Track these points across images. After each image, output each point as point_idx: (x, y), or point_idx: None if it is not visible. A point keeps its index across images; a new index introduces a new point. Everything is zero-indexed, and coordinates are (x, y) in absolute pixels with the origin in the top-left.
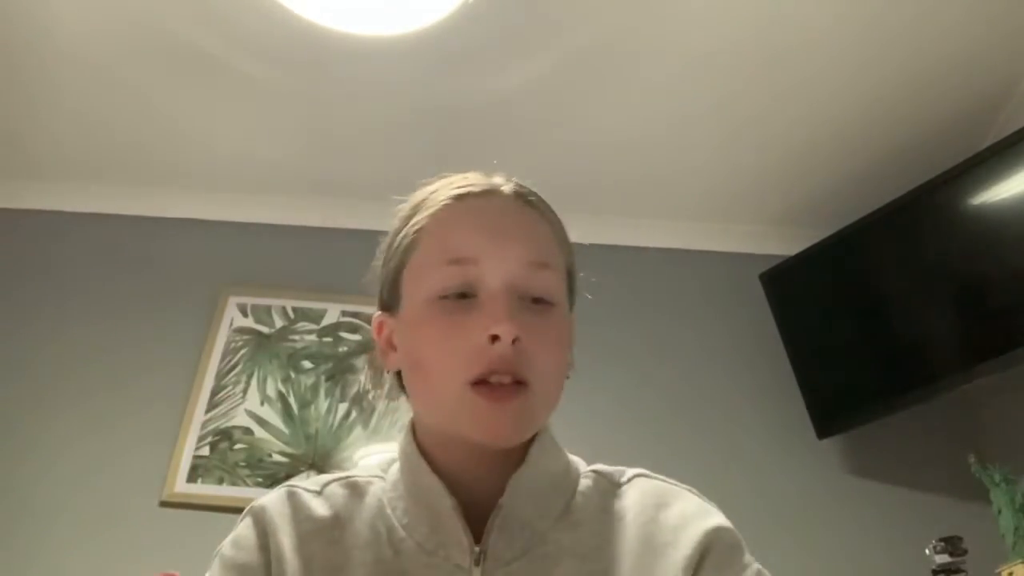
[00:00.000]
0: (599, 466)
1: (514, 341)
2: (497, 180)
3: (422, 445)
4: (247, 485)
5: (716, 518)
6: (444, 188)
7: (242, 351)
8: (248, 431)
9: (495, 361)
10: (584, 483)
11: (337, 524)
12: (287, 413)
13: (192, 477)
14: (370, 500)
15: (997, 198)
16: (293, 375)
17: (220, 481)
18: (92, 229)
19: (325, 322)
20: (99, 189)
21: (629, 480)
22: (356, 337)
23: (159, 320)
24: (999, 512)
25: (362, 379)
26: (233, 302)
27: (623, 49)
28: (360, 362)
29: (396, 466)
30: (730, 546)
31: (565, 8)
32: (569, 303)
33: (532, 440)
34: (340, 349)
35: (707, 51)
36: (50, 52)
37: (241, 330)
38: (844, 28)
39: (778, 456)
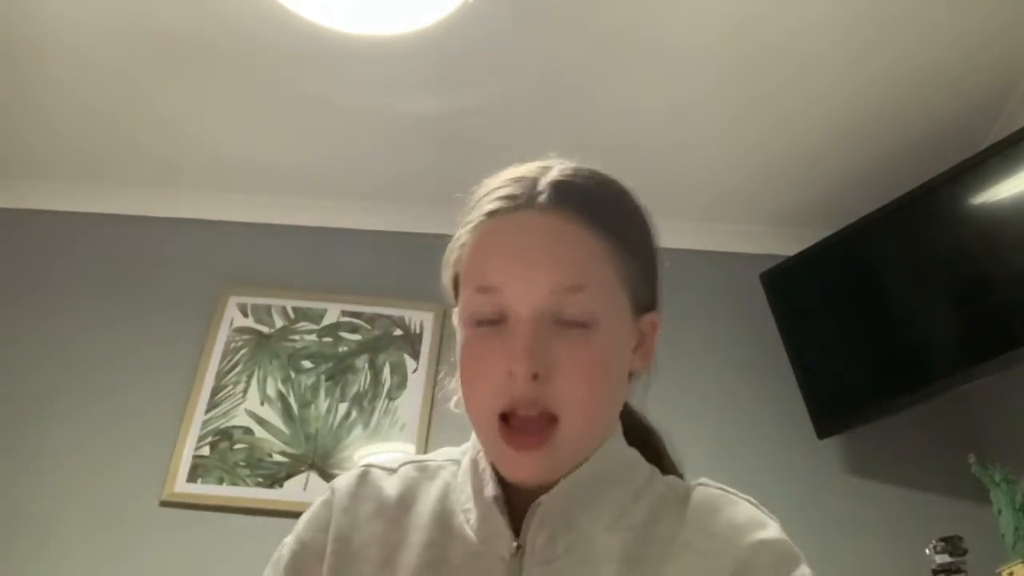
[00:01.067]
0: (672, 478)
1: (535, 376)
2: (540, 183)
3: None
4: (247, 485)
5: (766, 531)
6: (487, 195)
7: (242, 351)
8: (248, 431)
9: (515, 400)
10: (653, 491)
11: (402, 504)
12: (287, 413)
13: (192, 477)
14: (438, 483)
15: (997, 198)
16: (293, 375)
17: (220, 481)
18: (92, 229)
19: (325, 322)
20: (99, 189)
21: (693, 489)
22: (356, 337)
23: (159, 320)
24: (999, 512)
25: (362, 379)
26: (233, 302)
27: (623, 49)
28: (360, 362)
29: (468, 457)
30: (775, 562)
31: (565, 9)
32: (635, 307)
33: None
34: (340, 349)
35: (707, 51)
36: (50, 52)
37: (241, 330)
38: (844, 29)
39: (778, 456)
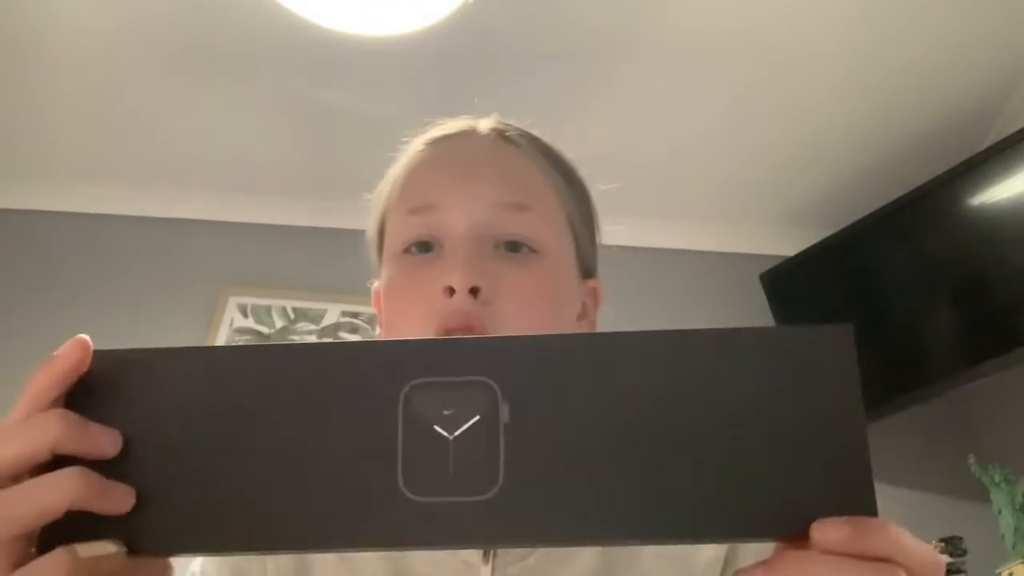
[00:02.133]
0: None
1: (474, 291)
2: (481, 122)
3: None
4: None
5: None
6: (423, 136)
7: None
8: None
9: (451, 317)
10: None
11: None
12: None
13: None
14: None
15: (997, 198)
16: None
17: None
18: (92, 229)
19: (325, 322)
20: (98, 189)
21: None
22: (356, 337)
23: (159, 320)
24: (999, 512)
25: None
26: (233, 302)
27: (623, 49)
28: None
29: None
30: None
31: (567, 9)
32: (580, 265)
33: None
34: None
35: (707, 51)
36: (49, 52)
37: (241, 330)
38: (844, 28)
39: None
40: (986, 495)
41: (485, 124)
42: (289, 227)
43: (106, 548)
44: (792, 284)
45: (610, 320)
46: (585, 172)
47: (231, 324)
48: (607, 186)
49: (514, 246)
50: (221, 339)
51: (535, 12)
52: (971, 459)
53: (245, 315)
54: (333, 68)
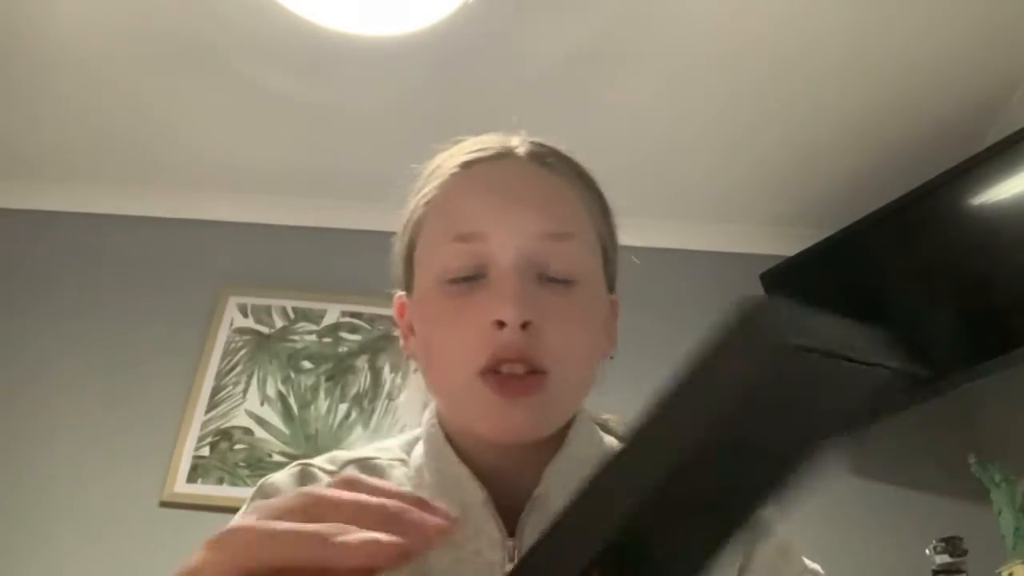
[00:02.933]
0: None
1: (524, 325)
2: (512, 141)
3: (447, 430)
4: (247, 485)
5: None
6: (455, 154)
7: (242, 351)
8: (248, 431)
9: (503, 349)
10: None
11: None
12: (287, 413)
13: (192, 477)
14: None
15: (997, 198)
16: (293, 375)
17: (220, 481)
18: (92, 230)
19: (325, 322)
20: (98, 189)
21: None
22: (356, 337)
23: (159, 320)
24: (999, 512)
25: (362, 379)
26: (233, 302)
27: (624, 49)
28: (360, 362)
29: (419, 450)
30: (779, 550)
31: (565, 9)
32: (607, 281)
33: (569, 423)
34: (340, 349)
35: (707, 51)
36: (48, 52)
37: (241, 330)
38: (844, 29)
39: None
40: (986, 495)
41: (520, 146)
42: (289, 227)
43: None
44: (792, 284)
45: None
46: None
47: (231, 324)
48: (608, 187)
49: (556, 278)
50: (221, 339)
51: (535, 12)
52: (971, 459)
53: (245, 315)
54: (333, 68)
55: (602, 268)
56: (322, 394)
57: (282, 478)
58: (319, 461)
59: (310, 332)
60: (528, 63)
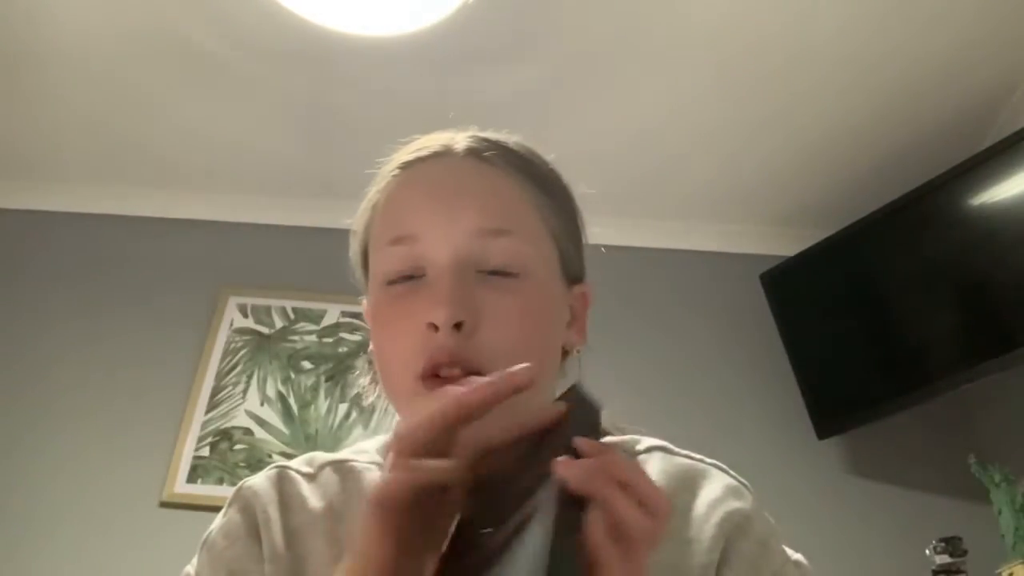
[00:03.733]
0: (609, 438)
1: (458, 326)
2: (455, 138)
3: None
4: None
5: (744, 502)
6: (398, 156)
7: (242, 351)
8: (248, 431)
9: (436, 351)
10: None
11: (331, 516)
12: (287, 413)
13: (192, 477)
14: (368, 490)
15: (997, 198)
16: (293, 375)
17: (220, 481)
18: (92, 229)
19: (325, 322)
20: (98, 189)
21: (647, 451)
22: (356, 337)
23: (159, 320)
24: (999, 512)
25: (356, 385)
26: (233, 302)
27: (624, 49)
28: (360, 362)
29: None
30: (759, 543)
31: (566, 9)
32: (566, 273)
33: None
34: (340, 349)
35: (708, 52)
36: (49, 52)
37: (241, 330)
38: (845, 29)
39: (778, 456)
40: (986, 495)
41: (461, 142)
42: (289, 227)
43: (445, 464)
44: (792, 284)
45: (610, 319)
46: (585, 173)
47: (231, 324)
48: (607, 187)
49: (496, 272)
50: (221, 339)
51: (535, 13)
52: (971, 459)
53: (245, 315)
54: (333, 68)
55: (557, 261)
56: (322, 394)
57: (259, 481)
58: (296, 463)
59: (310, 332)
60: (528, 64)
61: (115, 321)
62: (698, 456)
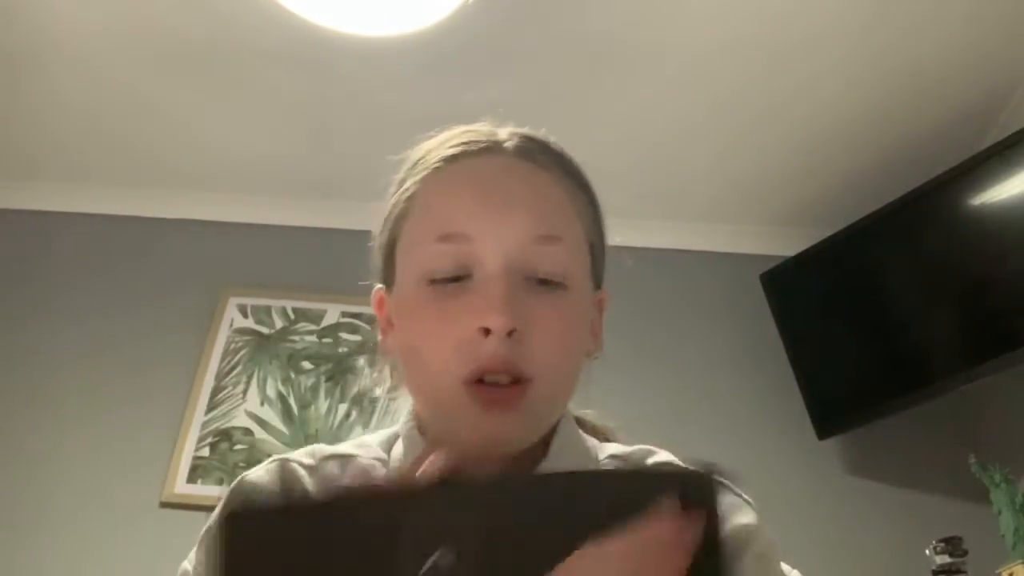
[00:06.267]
0: (615, 448)
1: (510, 333)
2: (500, 133)
3: (426, 433)
4: None
5: (744, 518)
6: (439, 146)
7: (242, 352)
8: (248, 432)
9: (487, 358)
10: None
11: None
12: (287, 414)
13: (192, 478)
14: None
15: (997, 198)
16: (293, 376)
17: (220, 482)
18: (92, 230)
19: (325, 323)
20: (98, 190)
21: (645, 459)
22: (356, 338)
23: (159, 321)
24: (999, 512)
25: (363, 378)
26: (233, 303)
27: (624, 49)
28: (360, 362)
29: (399, 450)
30: (758, 558)
31: (566, 9)
32: (594, 279)
33: (553, 429)
34: (340, 350)
35: (707, 52)
36: (49, 52)
37: (241, 331)
38: (845, 29)
39: (778, 456)
40: (986, 495)
41: (508, 139)
42: (289, 227)
43: None
44: (792, 284)
45: (610, 319)
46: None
47: (231, 324)
48: (608, 187)
49: (544, 281)
50: (221, 339)
51: (534, 13)
52: (971, 459)
53: (245, 315)
54: (333, 68)
55: (590, 268)
56: (322, 395)
57: (259, 473)
58: (298, 455)
59: (310, 332)
60: (527, 63)
61: (115, 321)
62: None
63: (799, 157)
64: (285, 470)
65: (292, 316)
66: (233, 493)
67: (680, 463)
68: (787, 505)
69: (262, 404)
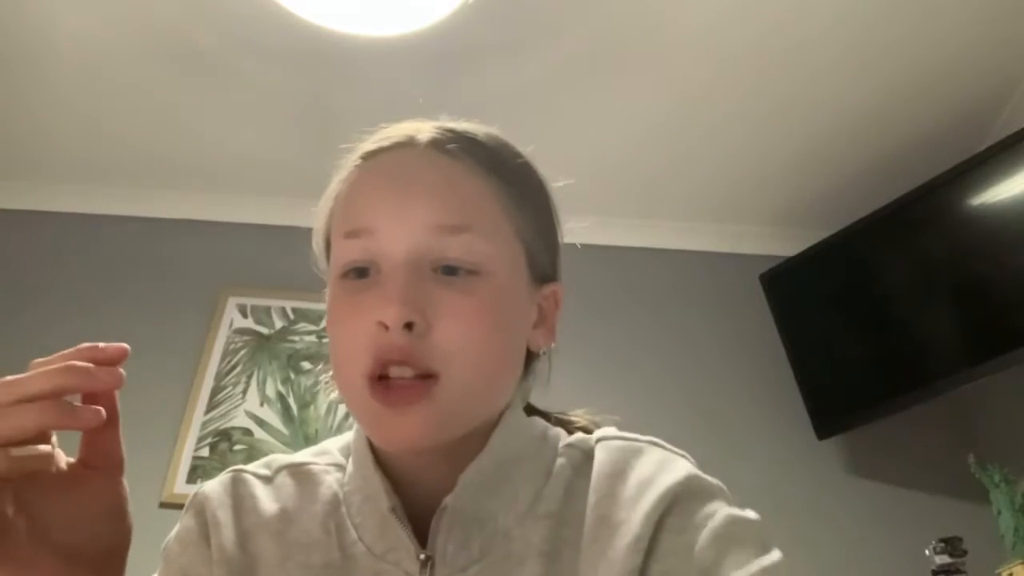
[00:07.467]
0: (574, 437)
1: (409, 326)
2: (420, 128)
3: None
4: None
5: (673, 474)
6: (361, 146)
7: (242, 352)
8: (248, 432)
9: (384, 352)
10: (559, 462)
11: (284, 518)
12: (287, 414)
13: (192, 478)
14: (324, 493)
15: (997, 198)
16: (293, 376)
17: None
18: (92, 230)
19: (325, 323)
20: (98, 190)
21: (597, 443)
22: None
23: (159, 321)
24: (999, 512)
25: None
26: (233, 303)
27: (624, 49)
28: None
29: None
30: (685, 505)
31: (565, 9)
32: (535, 273)
33: (497, 422)
34: None
35: (707, 52)
36: (49, 53)
37: (241, 331)
38: (844, 29)
39: (778, 456)
40: (986, 495)
41: (425, 133)
42: (289, 227)
43: (37, 450)
44: (792, 284)
45: (610, 319)
46: (584, 173)
47: (231, 324)
48: (607, 188)
49: (452, 270)
50: (221, 340)
51: (534, 13)
52: (971, 459)
53: (245, 315)
54: (333, 68)
55: (523, 259)
56: (322, 394)
57: (213, 486)
58: (254, 466)
59: (310, 332)
60: (527, 64)
61: (114, 321)
62: (633, 435)
63: (799, 157)
64: (238, 481)
65: (292, 316)
66: (189, 505)
67: (613, 435)
68: (787, 505)
69: (262, 404)
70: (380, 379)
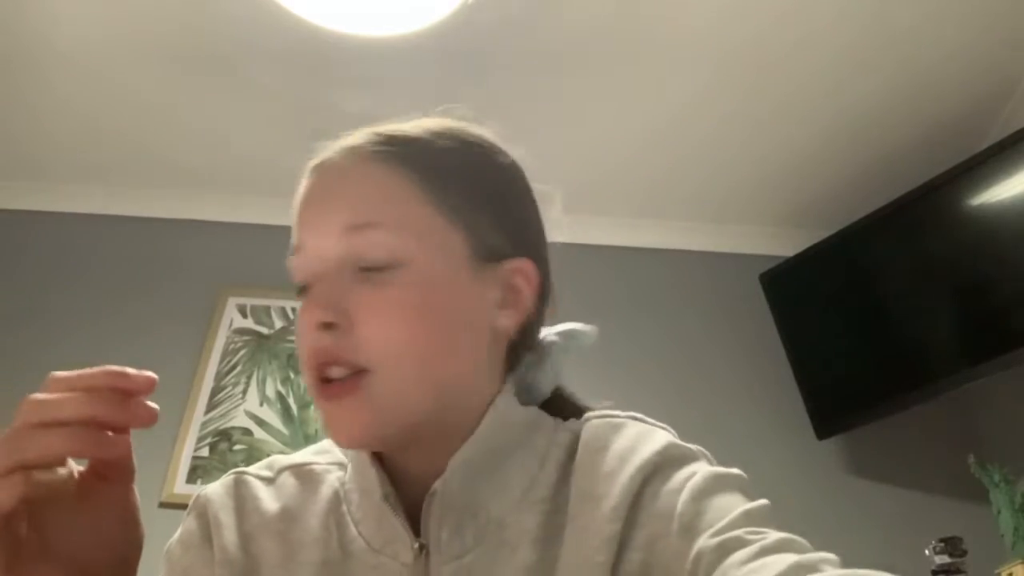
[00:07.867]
0: (568, 421)
1: (329, 326)
2: (353, 137)
3: None
4: None
5: (651, 444)
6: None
7: (241, 352)
8: (247, 432)
9: (315, 355)
10: (554, 448)
11: (286, 517)
12: (286, 414)
13: (192, 478)
14: (325, 491)
15: (997, 198)
16: (292, 376)
17: None
18: (92, 230)
19: None
20: (99, 190)
21: (584, 424)
22: None
23: (159, 321)
24: (999, 512)
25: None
26: (232, 303)
27: (624, 49)
28: None
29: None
30: (662, 472)
31: (565, 10)
32: (481, 251)
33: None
34: None
35: (708, 51)
36: (51, 54)
37: (240, 331)
38: (844, 28)
39: (778, 456)
40: (986, 495)
41: (351, 141)
42: (289, 227)
43: (60, 475)
44: (792, 284)
45: (610, 319)
46: (585, 174)
47: (230, 325)
48: (608, 188)
49: (370, 267)
50: (221, 340)
51: (535, 13)
52: (971, 459)
53: (245, 315)
54: (333, 68)
55: (461, 241)
56: None
57: (215, 488)
58: (255, 468)
59: None
60: (527, 64)
61: (114, 321)
62: (615, 412)
63: (799, 158)
64: (240, 483)
65: (291, 316)
66: (191, 508)
67: (596, 414)
68: (786, 505)
69: (261, 404)
70: (325, 381)
